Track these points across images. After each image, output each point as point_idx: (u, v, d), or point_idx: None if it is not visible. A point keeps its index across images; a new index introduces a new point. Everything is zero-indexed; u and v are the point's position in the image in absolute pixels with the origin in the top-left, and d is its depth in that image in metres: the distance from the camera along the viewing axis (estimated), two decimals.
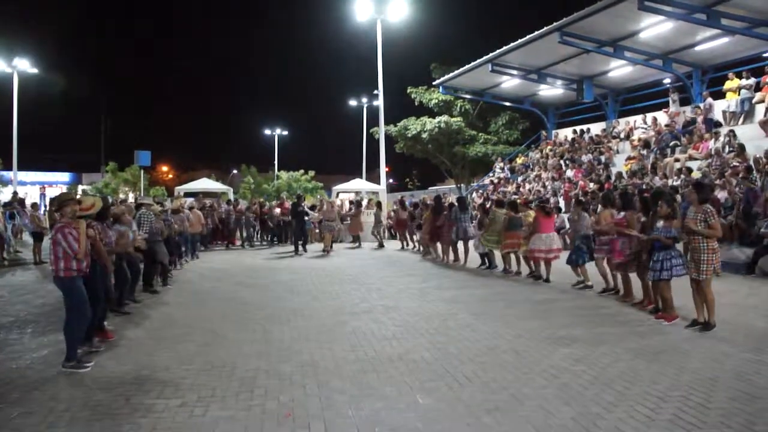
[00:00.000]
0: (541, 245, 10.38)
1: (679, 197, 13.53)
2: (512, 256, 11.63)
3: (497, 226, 11.72)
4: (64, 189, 41.97)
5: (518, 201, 12.69)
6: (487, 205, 14.60)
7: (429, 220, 14.70)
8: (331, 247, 17.27)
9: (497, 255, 12.18)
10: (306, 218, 17.44)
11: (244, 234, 19.90)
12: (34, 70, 29.36)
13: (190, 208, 15.94)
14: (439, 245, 14.62)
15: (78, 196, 6.69)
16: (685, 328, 6.64)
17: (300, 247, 16.77)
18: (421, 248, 16.35)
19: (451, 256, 13.94)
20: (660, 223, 6.96)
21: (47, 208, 16.22)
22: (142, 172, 30.01)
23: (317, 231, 18.17)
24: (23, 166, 34.35)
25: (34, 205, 15.90)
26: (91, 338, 6.03)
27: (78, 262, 5.44)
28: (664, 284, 6.95)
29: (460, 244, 13.67)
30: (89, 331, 5.87)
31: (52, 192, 38.24)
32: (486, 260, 12.61)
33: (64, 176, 51.27)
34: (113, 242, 7.10)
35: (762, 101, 16.48)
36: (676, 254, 6.89)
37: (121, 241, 7.57)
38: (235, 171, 55.46)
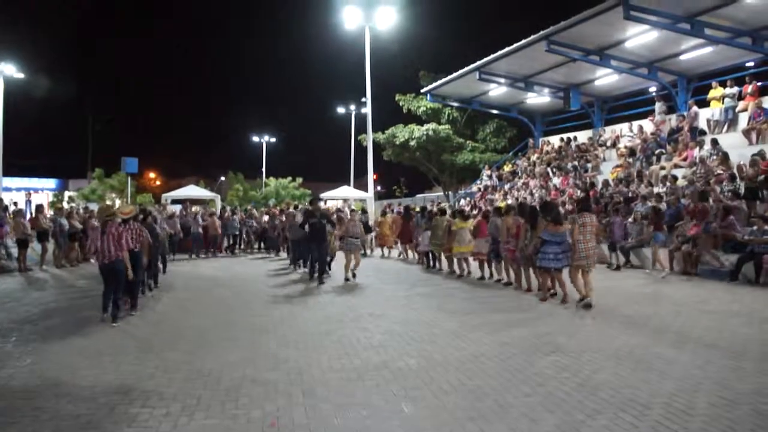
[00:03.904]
0: (482, 249, 11.66)
1: (664, 205, 13.74)
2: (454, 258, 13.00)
3: (439, 231, 13.15)
4: (50, 195, 41.60)
5: (445, 209, 14.90)
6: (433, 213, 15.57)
7: (400, 225, 17.18)
8: (354, 275, 12.27)
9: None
10: (327, 232, 12.48)
11: (230, 241, 20.18)
12: (20, 75, 29.12)
13: (211, 215, 19.33)
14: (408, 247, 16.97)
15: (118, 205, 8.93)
16: (578, 302, 8.55)
17: (322, 273, 12.31)
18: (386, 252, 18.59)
19: (416, 256, 15.87)
20: (549, 228, 8.93)
21: (32, 215, 15.96)
22: (129, 179, 29.77)
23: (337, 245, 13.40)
24: (8, 172, 34.01)
25: (19, 212, 15.70)
26: (136, 306, 8.65)
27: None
28: (540, 271, 9.24)
29: None
30: (134, 299, 8.65)
31: (38, 198, 37.85)
32: (426, 259, 14.59)
33: (50, 182, 50.61)
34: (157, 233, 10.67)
35: (745, 110, 16.73)
36: (559, 251, 8.82)
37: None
38: (222, 178, 55.30)
